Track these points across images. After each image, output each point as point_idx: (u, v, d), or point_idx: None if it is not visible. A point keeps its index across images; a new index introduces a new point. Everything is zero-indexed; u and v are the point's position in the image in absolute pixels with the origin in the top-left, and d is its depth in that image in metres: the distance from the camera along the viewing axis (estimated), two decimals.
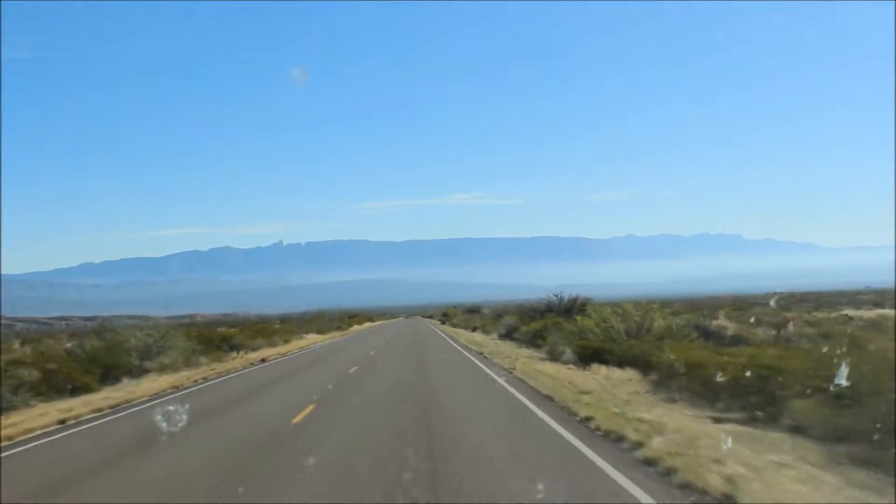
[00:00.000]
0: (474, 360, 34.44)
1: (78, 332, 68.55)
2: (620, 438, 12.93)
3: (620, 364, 23.34)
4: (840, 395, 11.77)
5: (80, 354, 30.50)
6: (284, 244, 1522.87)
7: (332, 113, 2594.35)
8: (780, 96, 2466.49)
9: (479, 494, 9.83)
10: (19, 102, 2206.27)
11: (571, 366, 26.25)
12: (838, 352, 12.76)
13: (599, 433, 13.80)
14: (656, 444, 11.83)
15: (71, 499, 11.02)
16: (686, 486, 9.70)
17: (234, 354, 41.50)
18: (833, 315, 50.43)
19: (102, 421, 19.55)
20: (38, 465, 14.12)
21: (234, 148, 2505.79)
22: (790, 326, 35.62)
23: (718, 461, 10.41)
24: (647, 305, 28.46)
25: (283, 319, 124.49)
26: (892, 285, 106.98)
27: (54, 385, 24.17)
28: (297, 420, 17.27)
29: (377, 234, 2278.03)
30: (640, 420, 14.17)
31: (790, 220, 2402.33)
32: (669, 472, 10.35)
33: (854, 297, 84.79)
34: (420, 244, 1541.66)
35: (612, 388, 19.63)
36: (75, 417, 19.79)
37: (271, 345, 52.84)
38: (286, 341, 59.09)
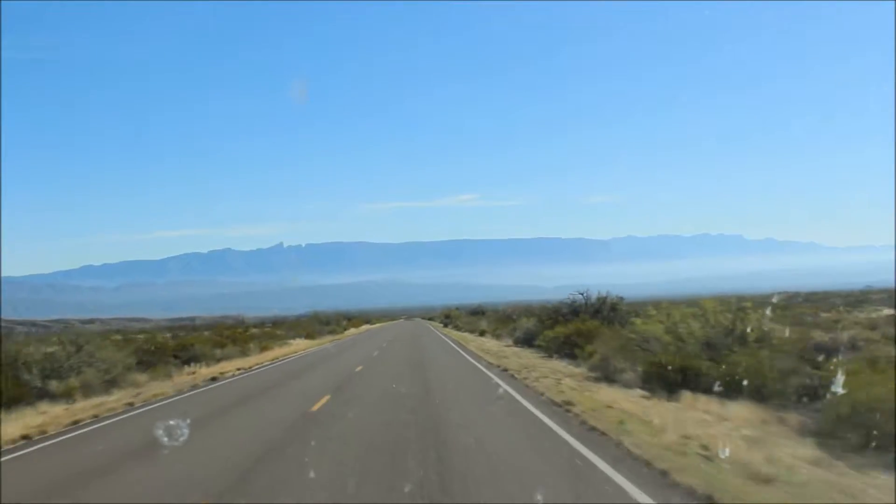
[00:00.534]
0: (500, 381, 23.36)
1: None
2: None
3: (721, 392, 15.58)
4: None
5: None
6: (285, 246, 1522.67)
7: (332, 115, 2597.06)
8: (781, 97, 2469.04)
9: None
10: (20, 104, 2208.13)
11: (643, 392, 18.21)
12: None
13: None
14: None
15: None
16: None
17: (187, 369, 32.36)
18: (874, 315, 47.30)
19: None
20: None
21: (234, 150, 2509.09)
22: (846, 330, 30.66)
23: None
24: (734, 303, 20.57)
25: (276, 322, 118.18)
26: (893, 285, 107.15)
27: None
28: None
29: (377, 236, 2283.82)
30: None
31: (790, 220, 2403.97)
32: None
33: (864, 297, 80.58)
34: (420, 246, 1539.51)
35: (773, 450, 11.06)
36: None
37: (244, 354, 44.87)
38: (264, 349, 50.87)
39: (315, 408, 18.66)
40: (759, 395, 15.17)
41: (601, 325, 32.13)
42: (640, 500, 8.96)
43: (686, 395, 16.52)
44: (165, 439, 13.29)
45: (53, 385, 23.18)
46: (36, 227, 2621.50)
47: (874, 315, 47.00)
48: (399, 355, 41.56)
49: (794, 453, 10.93)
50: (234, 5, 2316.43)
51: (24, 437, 16.04)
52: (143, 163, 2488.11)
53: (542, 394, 19.19)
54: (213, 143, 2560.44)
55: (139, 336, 48.95)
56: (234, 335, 56.00)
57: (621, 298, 40.49)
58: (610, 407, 15.62)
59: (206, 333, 59.47)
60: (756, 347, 17.87)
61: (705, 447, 11.22)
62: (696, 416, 14.38)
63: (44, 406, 20.67)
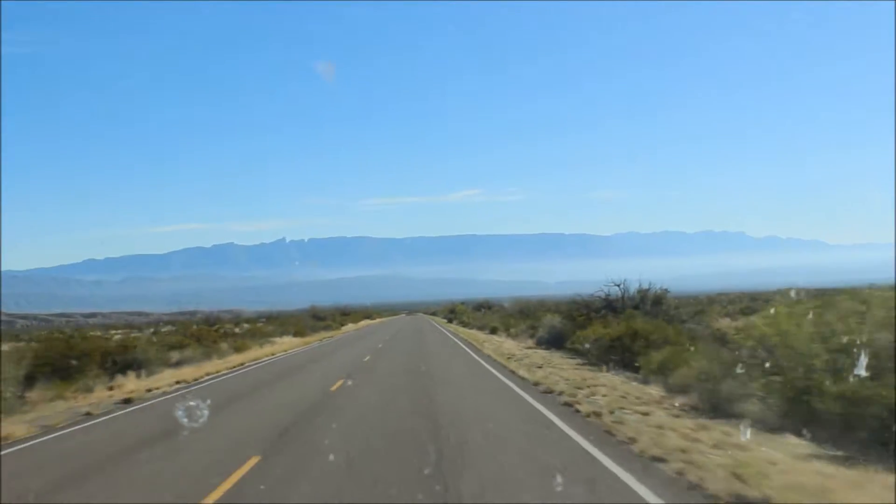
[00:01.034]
0: (558, 421, 14.70)
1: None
2: None
3: None
4: None
5: None
6: (287, 240, 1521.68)
7: (335, 111, 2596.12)
8: (785, 94, 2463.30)
9: None
10: (23, 99, 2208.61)
11: (824, 450, 10.79)
12: None
13: None
14: None
15: None
16: None
17: (119, 379, 25.78)
18: None
19: None
20: None
21: (238, 145, 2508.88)
22: None
23: None
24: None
25: (271, 318, 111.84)
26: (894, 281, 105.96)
27: None
28: None
29: (380, 231, 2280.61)
30: None
31: (794, 217, 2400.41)
32: None
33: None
34: (423, 241, 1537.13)
35: None
36: None
37: (208, 357, 37.48)
38: (238, 350, 43.11)
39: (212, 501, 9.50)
40: None
41: (665, 325, 25.38)
42: None
43: None
44: None
45: None
46: (39, 221, 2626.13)
47: None
48: (397, 362, 33.09)
49: None
50: (240, 3, 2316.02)
51: None
52: (147, 157, 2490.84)
53: (659, 458, 10.69)
54: (218, 138, 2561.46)
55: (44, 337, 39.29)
56: (200, 334, 48.05)
57: (666, 291, 34.25)
58: None
59: (167, 330, 54.30)
60: None
61: None
62: None
63: None
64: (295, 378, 28.51)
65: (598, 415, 14.78)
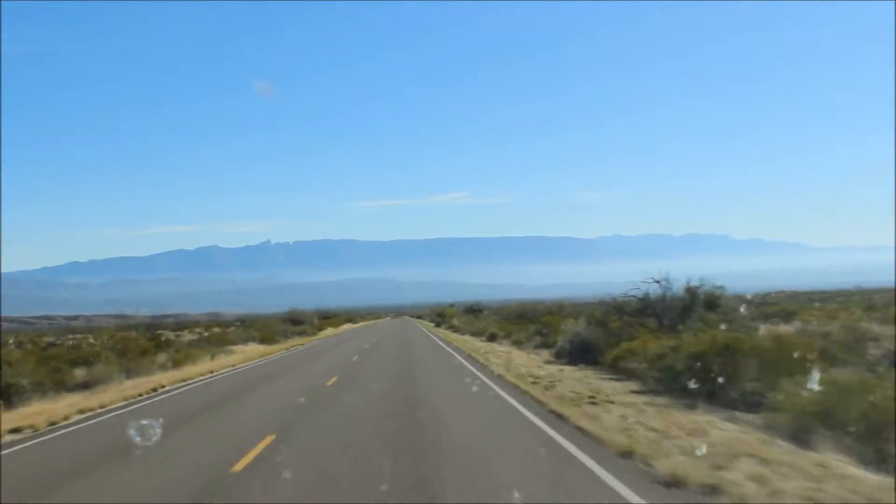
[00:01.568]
0: None
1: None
2: None
3: None
4: None
5: None
6: (272, 243, 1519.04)
7: (320, 112, 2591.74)
8: (770, 96, 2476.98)
9: None
10: (6, 99, 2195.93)
11: None
12: None
13: None
14: None
15: None
16: None
17: None
18: None
19: None
20: None
21: (222, 146, 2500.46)
22: None
23: None
24: None
25: (245, 321, 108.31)
26: (881, 285, 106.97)
27: None
28: None
29: (365, 234, 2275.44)
30: None
31: (778, 219, 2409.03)
32: None
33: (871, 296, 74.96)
34: (408, 244, 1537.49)
35: None
36: None
37: (131, 376, 29.72)
38: (176, 364, 35.44)
39: None
40: None
41: (744, 336, 18.52)
42: None
43: None
44: None
45: None
46: (21, 222, 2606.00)
47: None
48: (375, 388, 24.03)
49: None
50: (224, 3, 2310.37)
51: None
52: (130, 159, 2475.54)
53: None
54: (202, 139, 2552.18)
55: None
56: (125, 344, 38.30)
57: (721, 289, 28.10)
58: None
59: (91, 340, 43.14)
60: None
61: None
62: None
63: None
64: (199, 425, 17.90)
65: None
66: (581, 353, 28.91)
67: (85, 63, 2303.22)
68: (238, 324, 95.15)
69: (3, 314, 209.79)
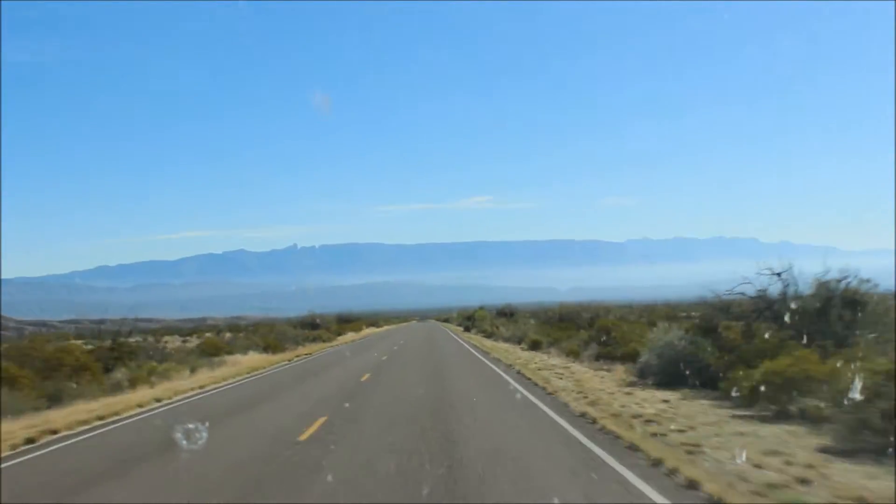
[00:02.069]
0: None
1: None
2: None
3: None
4: None
5: None
6: (298, 247, 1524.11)
7: (346, 117, 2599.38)
8: (796, 99, 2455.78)
9: None
10: (35, 106, 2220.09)
11: None
12: None
13: None
14: None
15: None
16: None
17: None
18: None
19: None
20: None
21: (248, 151, 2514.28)
22: None
23: None
24: None
25: (259, 325, 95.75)
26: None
27: None
28: None
29: (391, 238, 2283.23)
30: None
31: (806, 222, 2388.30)
32: None
33: None
34: (434, 247, 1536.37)
35: None
36: None
37: (53, 405, 23.75)
38: (132, 384, 29.60)
39: None
40: None
41: None
42: None
43: None
44: None
45: None
46: (51, 227, 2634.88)
47: None
48: (378, 446, 14.65)
49: None
50: (251, 12, 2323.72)
51: None
52: (158, 165, 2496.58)
53: None
54: (229, 145, 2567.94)
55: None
56: (55, 358, 29.92)
57: (867, 282, 20.86)
58: None
59: (50, 348, 34.36)
60: None
61: None
62: None
63: None
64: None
65: None
66: (676, 373, 21.54)
67: (118, 69, 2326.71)
68: (250, 329, 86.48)
69: (26, 318, 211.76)
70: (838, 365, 14.69)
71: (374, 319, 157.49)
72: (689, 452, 12.79)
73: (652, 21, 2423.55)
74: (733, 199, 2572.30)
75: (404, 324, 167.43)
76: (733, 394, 17.73)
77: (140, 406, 24.33)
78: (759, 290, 22.15)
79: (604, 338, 34.23)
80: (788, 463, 11.73)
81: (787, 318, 20.56)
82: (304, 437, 15.97)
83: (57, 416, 21.22)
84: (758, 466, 11.48)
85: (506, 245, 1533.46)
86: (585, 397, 20.37)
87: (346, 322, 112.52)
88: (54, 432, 19.23)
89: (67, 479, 13.53)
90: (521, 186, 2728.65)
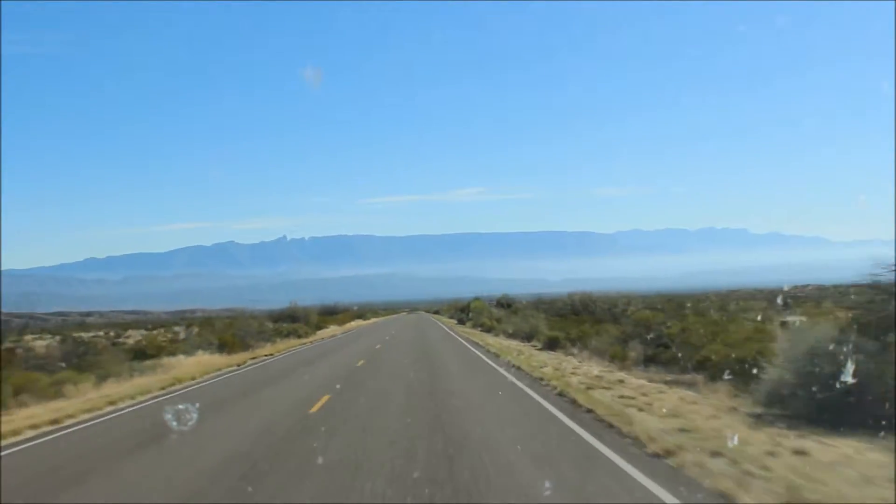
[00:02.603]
0: None
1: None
2: None
3: None
4: None
5: None
6: (288, 239, 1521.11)
7: (336, 109, 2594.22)
8: (786, 92, 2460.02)
9: None
10: (23, 99, 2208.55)
11: None
12: None
13: None
14: None
15: None
16: None
17: None
18: None
19: None
20: None
21: (238, 144, 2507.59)
22: None
23: None
24: None
25: (233, 318, 79.18)
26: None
27: None
28: None
29: (382, 229, 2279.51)
30: None
31: (796, 213, 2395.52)
32: None
33: None
34: (425, 239, 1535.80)
35: None
36: None
37: None
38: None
39: None
40: None
41: None
42: None
43: None
44: None
45: None
46: (39, 219, 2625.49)
47: None
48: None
49: None
50: (242, 3, 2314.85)
51: None
52: (148, 156, 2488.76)
53: None
54: (218, 136, 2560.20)
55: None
56: None
57: None
58: None
59: None
60: None
61: None
62: None
63: None
64: None
65: None
66: (838, 405, 12.89)
67: (108, 60, 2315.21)
68: (195, 325, 75.90)
69: (15, 311, 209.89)
70: None
71: (361, 311, 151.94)
72: None
73: (647, 13, 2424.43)
74: (723, 191, 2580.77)
75: (393, 315, 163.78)
76: None
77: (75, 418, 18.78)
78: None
79: (650, 335, 25.54)
80: None
81: None
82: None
83: None
84: None
85: (497, 237, 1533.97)
86: (749, 474, 10.03)
87: (331, 314, 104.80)
88: None
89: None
90: (512, 177, 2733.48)
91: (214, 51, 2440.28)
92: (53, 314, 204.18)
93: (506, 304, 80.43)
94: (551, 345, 35.59)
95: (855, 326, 14.05)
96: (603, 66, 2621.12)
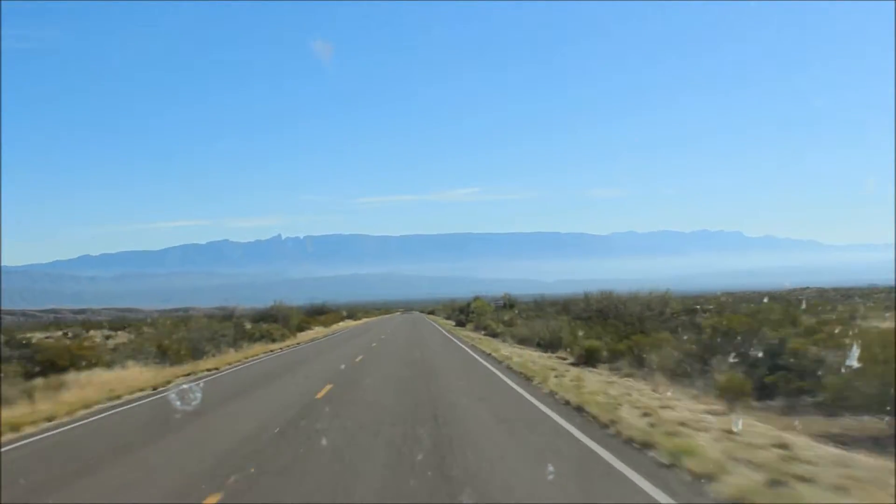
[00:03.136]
0: None
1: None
2: None
3: None
4: None
5: None
6: (283, 237, 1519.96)
7: (332, 107, 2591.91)
8: (781, 94, 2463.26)
9: None
10: (18, 95, 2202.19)
11: None
12: None
13: None
14: None
15: None
16: None
17: None
18: None
19: None
20: None
21: (233, 141, 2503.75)
22: None
23: None
24: None
25: (216, 317, 71.81)
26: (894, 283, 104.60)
27: None
28: None
29: (377, 229, 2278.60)
30: None
31: (790, 217, 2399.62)
32: None
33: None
34: (420, 239, 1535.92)
35: None
36: None
37: None
38: None
39: None
40: None
41: None
42: None
43: None
44: None
45: None
46: (34, 216, 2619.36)
47: None
48: None
49: None
50: (234, 3, 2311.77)
51: None
52: (142, 153, 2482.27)
53: None
54: (213, 134, 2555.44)
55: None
56: None
57: None
58: None
59: None
60: None
61: None
62: None
63: None
64: None
65: None
66: None
67: (99, 58, 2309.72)
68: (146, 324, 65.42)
69: (14, 307, 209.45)
70: None
71: (352, 311, 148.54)
72: None
73: (641, 14, 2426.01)
74: (718, 193, 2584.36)
75: (387, 315, 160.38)
76: None
77: None
78: None
79: (759, 352, 18.15)
80: None
81: None
82: None
83: None
84: None
85: (492, 237, 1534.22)
86: None
87: (319, 314, 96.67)
88: None
89: None
90: (508, 178, 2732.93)
91: (210, 48, 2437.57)
92: (46, 311, 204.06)
93: (509, 304, 73.94)
94: (590, 357, 27.86)
95: None
96: (599, 67, 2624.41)
